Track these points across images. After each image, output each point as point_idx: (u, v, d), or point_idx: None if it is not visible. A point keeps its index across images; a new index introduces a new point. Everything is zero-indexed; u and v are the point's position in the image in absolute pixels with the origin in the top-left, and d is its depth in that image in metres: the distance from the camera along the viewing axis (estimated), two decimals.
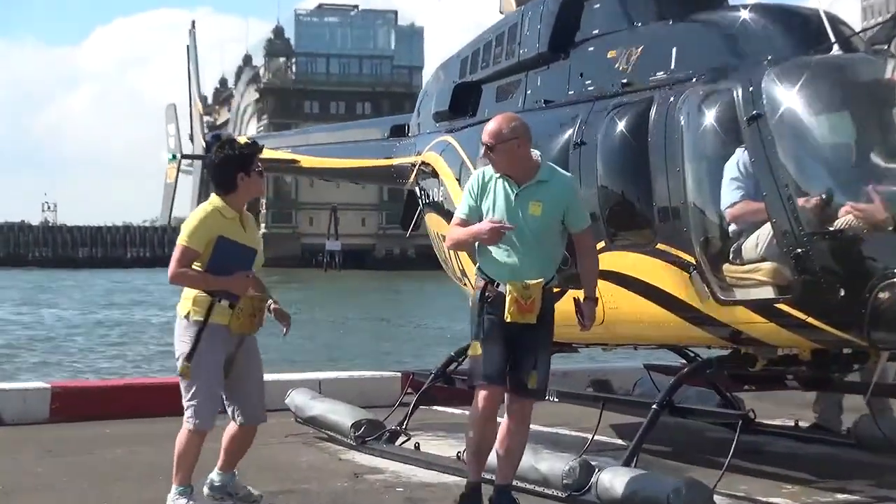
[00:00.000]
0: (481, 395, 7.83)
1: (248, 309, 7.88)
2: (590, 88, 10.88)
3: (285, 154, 17.83)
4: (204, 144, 20.17)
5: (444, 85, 13.66)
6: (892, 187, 8.43)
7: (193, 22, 22.96)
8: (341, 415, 11.55)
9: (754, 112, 8.90)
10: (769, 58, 9.22)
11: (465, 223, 7.98)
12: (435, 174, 13.25)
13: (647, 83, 10.12)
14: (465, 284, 12.44)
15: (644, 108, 9.91)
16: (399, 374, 14.44)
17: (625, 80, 10.38)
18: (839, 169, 8.88)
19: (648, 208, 9.72)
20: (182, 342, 7.88)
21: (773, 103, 8.88)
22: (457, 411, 13.27)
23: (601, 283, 9.77)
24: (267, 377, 8.51)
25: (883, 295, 8.09)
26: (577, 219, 8.07)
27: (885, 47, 9.14)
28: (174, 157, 21.92)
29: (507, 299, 7.75)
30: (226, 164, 7.95)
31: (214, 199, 7.97)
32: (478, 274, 8.03)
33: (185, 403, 7.93)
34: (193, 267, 7.81)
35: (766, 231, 8.87)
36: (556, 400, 10.66)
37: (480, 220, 7.90)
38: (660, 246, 9.63)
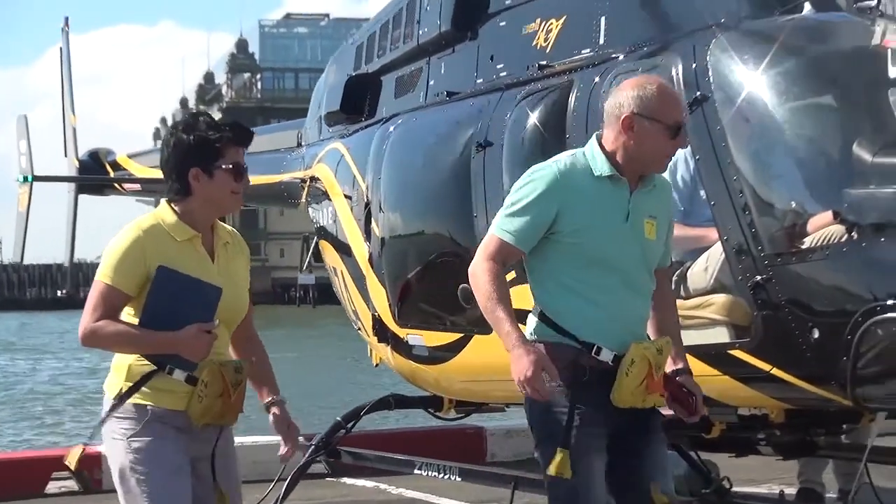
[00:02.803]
0: None
1: (215, 384, 5.35)
2: (502, 74, 9.27)
3: (159, 172, 16.19)
4: (77, 164, 18.50)
5: (337, 79, 12.00)
6: (882, 188, 6.82)
7: (66, 19, 21.19)
8: None
9: (697, 94, 7.31)
10: (720, 22, 7.61)
11: (508, 251, 5.41)
12: (326, 192, 11.58)
13: (568, 64, 8.51)
14: (359, 329, 10.78)
15: (561, 95, 8.35)
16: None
17: (543, 62, 8.76)
18: (813, 166, 7.29)
19: None
20: (114, 442, 5.42)
21: (721, 82, 7.29)
22: (368, 484, 11.97)
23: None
24: None
25: (871, 336, 6.47)
26: (669, 247, 5.80)
27: (873, 4, 7.50)
28: (26, 179, 19.67)
29: (628, 374, 5.28)
30: (175, 154, 5.48)
31: (161, 210, 5.50)
32: (541, 334, 5.40)
33: None
34: (124, 317, 5.41)
35: (717, 253, 7.28)
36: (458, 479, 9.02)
37: (528, 241, 5.40)
38: None
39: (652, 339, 5.51)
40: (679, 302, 7.37)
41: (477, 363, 8.97)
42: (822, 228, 6.78)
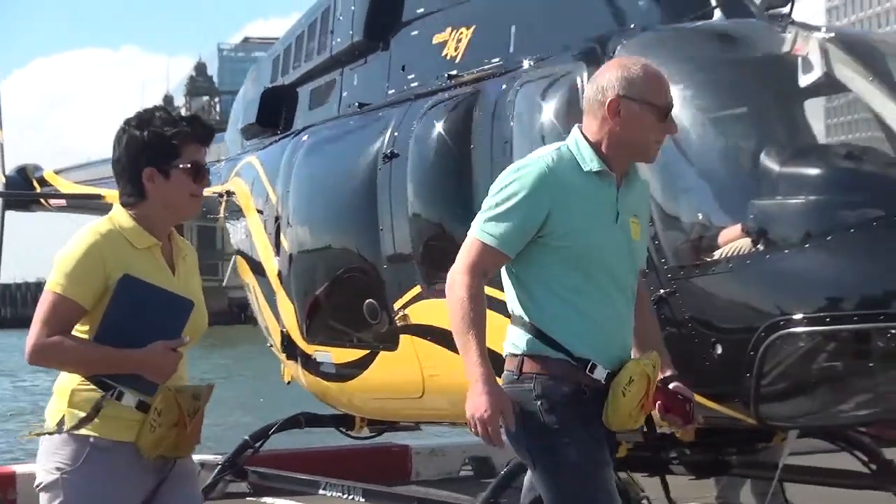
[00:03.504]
0: None
1: (170, 412, 4.62)
2: (413, 84, 8.86)
3: (88, 189, 15.71)
4: (3, 180, 17.88)
5: (254, 92, 11.52)
6: (789, 199, 6.46)
7: None
8: None
9: None
10: (628, 28, 7.25)
11: (492, 257, 4.77)
12: (241, 207, 11.12)
13: (476, 73, 8.12)
14: (270, 346, 10.33)
15: (467, 105, 7.97)
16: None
17: (453, 72, 8.36)
18: (718, 177, 6.91)
19: None
20: (48, 477, 4.68)
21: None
22: None
23: (417, 342, 7.81)
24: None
25: (774, 352, 6.08)
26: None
27: (784, 11, 7.15)
28: None
29: (625, 393, 4.69)
30: (127, 153, 4.78)
31: (117, 215, 4.80)
32: (532, 348, 4.77)
33: None
34: (75, 334, 4.65)
35: None
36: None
37: (516, 246, 4.76)
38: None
39: (636, 351, 4.92)
40: None
41: (382, 381, 8.57)
42: (727, 241, 6.42)
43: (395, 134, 8.43)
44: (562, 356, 4.67)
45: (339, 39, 9.87)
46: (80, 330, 4.63)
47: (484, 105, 7.79)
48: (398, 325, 8.23)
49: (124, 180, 4.80)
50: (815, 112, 7.29)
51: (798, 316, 6.03)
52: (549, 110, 7.33)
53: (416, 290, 8.06)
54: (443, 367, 8.00)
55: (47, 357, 4.62)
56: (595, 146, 4.75)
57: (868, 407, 6.20)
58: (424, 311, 8.02)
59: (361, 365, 8.73)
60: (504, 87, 7.70)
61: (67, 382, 4.66)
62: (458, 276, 4.75)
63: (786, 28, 6.98)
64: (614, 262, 4.74)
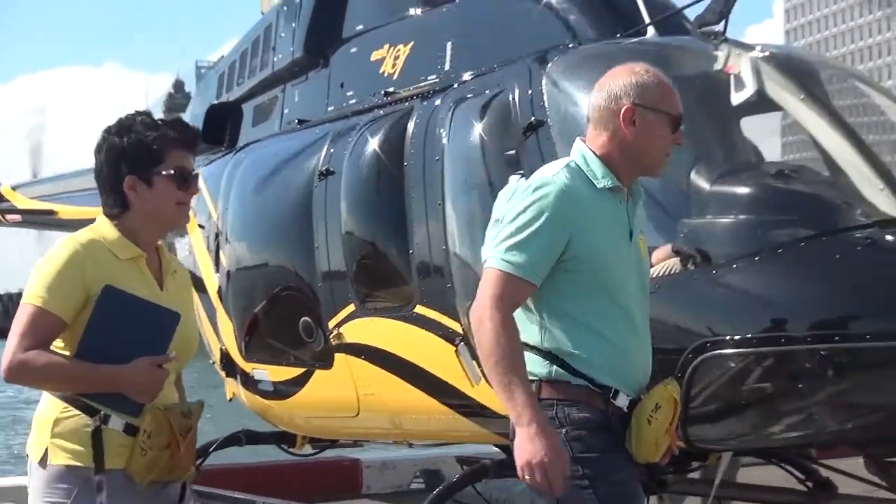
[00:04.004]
0: None
1: (160, 433, 4.21)
2: (351, 101, 8.56)
3: (39, 204, 15.35)
4: None
5: (200, 108, 11.21)
6: (717, 218, 6.18)
7: None
8: None
9: (532, 119, 6.63)
10: (561, 46, 6.98)
11: (519, 288, 4.16)
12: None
13: (412, 90, 7.86)
14: (213, 362, 9.99)
15: (401, 122, 7.68)
16: None
17: (390, 89, 8.08)
18: (648, 195, 6.56)
19: (405, 259, 7.41)
20: None
21: (556, 106, 6.63)
22: None
23: (351, 361, 7.52)
24: None
25: (701, 373, 5.79)
26: None
27: (717, 29, 6.88)
28: None
29: (651, 421, 4.24)
30: (108, 161, 4.41)
31: (100, 225, 4.40)
32: (551, 373, 4.25)
33: None
34: (54, 349, 4.25)
35: None
36: None
37: (542, 273, 4.20)
38: (419, 310, 7.30)
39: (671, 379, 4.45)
40: None
41: (319, 399, 8.26)
42: (656, 261, 6.12)
43: (331, 151, 8.14)
44: (582, 382, 4.19)
45: (280, 56, 9.59)
46: (59, 346, 4.23)
47: (417, 122, 7.52)
48: (333, 343, 7.94)
49: (106, 191, 4.41)
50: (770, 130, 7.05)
51: (725, 337, 5.75)
52: (480, 127, 7.07)
53: (350, 308, 7.77)
54: (377, 387, 7.73)
55: (25, 373, 4.19)
56: (604, 160, 4.30)
57: (798, 429, 5.92)
58: (358, 330, 7.73)
59: (298, 383, 8.42)
60: (437, 104, 7.45)
61: (49, 412, 4.25)
62: (485, 311, 4.11)
63: (719, 46, 6.71)
64: (632, 284, 4.31)
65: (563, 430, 4.13)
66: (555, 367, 4.18)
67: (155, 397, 4.20)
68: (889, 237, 5.96)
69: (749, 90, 6.48)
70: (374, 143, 7.76)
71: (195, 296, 10.22)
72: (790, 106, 6.54)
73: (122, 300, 4.19)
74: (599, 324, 4.20)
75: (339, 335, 7.88)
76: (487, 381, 6.84)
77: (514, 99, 6.82)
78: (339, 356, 7.93)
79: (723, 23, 6.91)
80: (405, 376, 7.48)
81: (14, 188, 16.81)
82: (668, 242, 6.13)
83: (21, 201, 16.32)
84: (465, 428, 7.38)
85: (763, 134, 7.22)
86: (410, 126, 7.52)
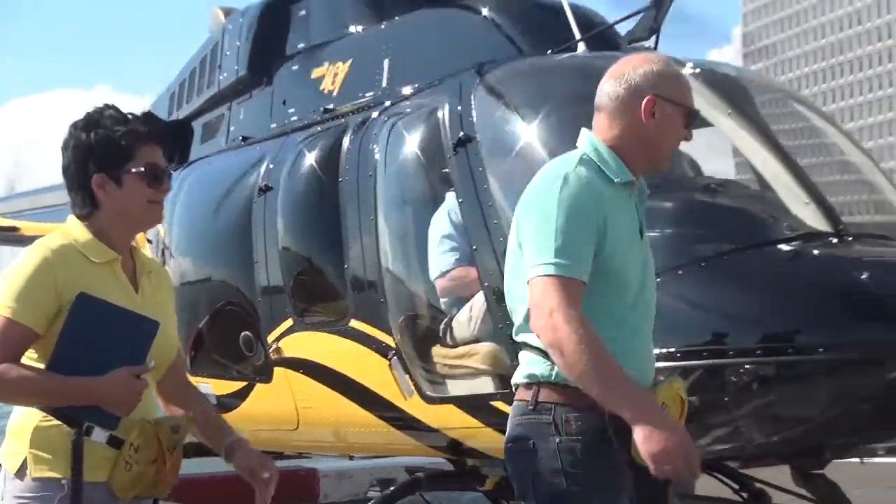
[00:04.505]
0: None
1: (148, 448, 3.85)
2: (293, 119, 8.32)
3: (3, 221, 15.00)
4: None
5: None
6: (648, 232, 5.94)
7: None
8: None
9: (461, 135, 6.40)
10: (490, 62, 6.76)
11: (573, 289, 3.70)
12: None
13: (349, 107, 7.64)
14: None
15: (336, 139, 7.46)
16: None
17: (330, 106, 7.85)
18: None
19: (340, 274, 7.17)
20: None
21: (483, 121, 6.41)
22: None
23: (290, 374, 7.26)
24: None
25: None
26: None
27: (646, 45, 6.67)
28: None
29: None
30: (75, 159, 4.00)
31: (71, 227, 4.00)
32: (555, 376, 3.81)
33: None
34: (26, 361, 3.86)
35: (480, 301, 6.34)
36: None
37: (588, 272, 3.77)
38: (353, 324, 7.05)
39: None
40: (445, 351, 6.54)
41: (260, 413, 7.99)
42: None
43: (270, 167, 7.90)
44: None
45: (225, 74, 9.33)
46: (32, 358, 3.83)
47: (352, 138, 7.30)
48: (272, 357, 7.69)
49: (74, 189, 3.99)
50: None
51: None
52: (412, 143, 6.88)
53: (289, 322, 7.53)
54: (314, 400, 7.48)
55: None
56: (618, 153, 3.90)
57: (724, 442, 5.69)
58: (296, 344, 7.49)
59: (240, 397, 8.15)
60: (371, 120, 7.24)
61: (27, 420, 3.85)
62: (555, 316, 3.64)
63: None
64: (643, 284, 3.93)
65: (557, 440, 3.77)
66: (556, 368, 3.76)
67: (133, 409, 3.81)
68: (813, 250, 5.76)
69: None
70: (310, 159, 7.55)
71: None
72: (718, 121, 6.32)
73: (97, 308, 3.78)
74: (609, 324, 3.78)
75: (278, 349, 7.63)
76: (421, 396, 6.64)
77: (444, 115, 6.61)
78: (278, 370, 7.68)
79: (653, 38, 6.72)
80: (341, 390, 7.24)
81: None
82: None
83: None
84: (399, 441, 7.13)
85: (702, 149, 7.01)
86: (345, 142, 7.30)
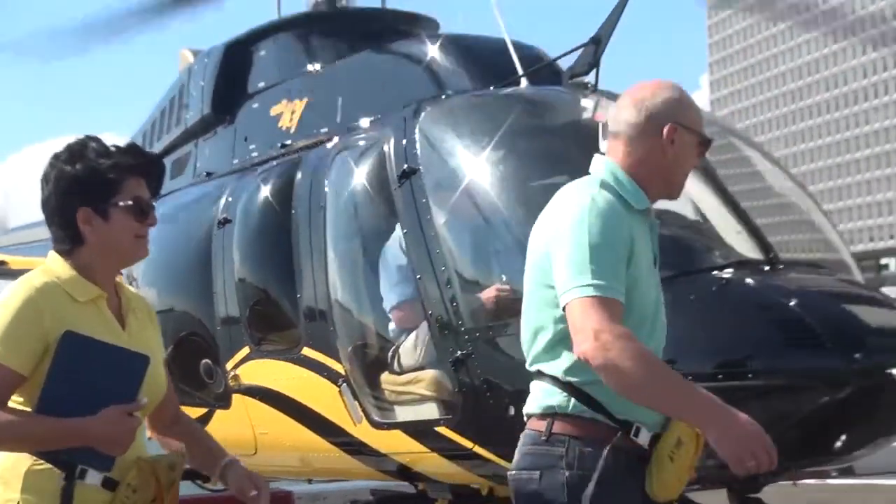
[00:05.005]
0: None
1: (145, 488, 3.48)
2: (253, 154, 8.08)
3: None
4: None
5: None
6: None
7: None
8: None
9: (405, 167, 6.17)
10: (433, 98, 6.54)
11: (614, 309, 3.39)
12: None
13: (304, 142, 7.42)
14: None
15: (290, 173, 7.23)
16: None
17: (288, 141, 7.62)
18: (511, 239, 6.11)
19: (293, 303, 6.92)
20: None
21: (425, 154, 6.19)
22: None
23: (247, 401, 7.01)
24: None
25: None
26: None
27: (585, 80, 6.44)
28: None
29: (673, 457, 3.49)
30: (57, 192, 3.60)
31: (52, 264, 3.59)
32: (568, 407, 3.51)
33: None
34: (12, 406, 3.45)
35: (425, 328, 6.09)
36: None
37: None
38: (305, 351, 6.81)
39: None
40: (392, 378, 6.29)
41: (219, 438, 7.63)
42: (517, 302, 5.64)
43: (229, 200, 7.66)
44: (600, 417, 3.47)
45: (192, 113, 9.11)
46: (18, 401, 3.42)
47: (304, 172, 7.08)
48: (231, 384, 7.42)
49: (56, 225, 3.59)
50: None
51: None
52: (359, 176, 6.66)
53: (246, 350, 7.28)
54: (270, 426, 7.23)
55: None
56: (635, 179, 3.61)
57: None
58: (253, 371, 7.24)
59: (201, 422, 7.86)
60: (321, 154, 7.02)
61: (18, 464, 3.42)
62: (603, 336, 3.30)
63: (588, 96, 6.27)
64: (657, 313, 3.62)
65: (566, 473, 3.43)
66: (573, 399, 3.46)
67: (127, 449, 3.42)
68: (745, 278, 5.54)
69: None
70: (265, 192, 7.33)
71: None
72: None
73: (84, 346, 3.40)
74: None
75: (236, 377, 7.38)
76: (369, 421, 6.38)
77: (389, 148, 6.39)
78: (236, 397, 7.42)
79: (593, 73, 6.49)
80: (295, 416, 6.99)
81: None
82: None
83: None
84: (352, 466, 6.86)
85: None
86: (298, 176, 7.08)
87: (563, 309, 3.40)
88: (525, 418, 3.64)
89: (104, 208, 3.51)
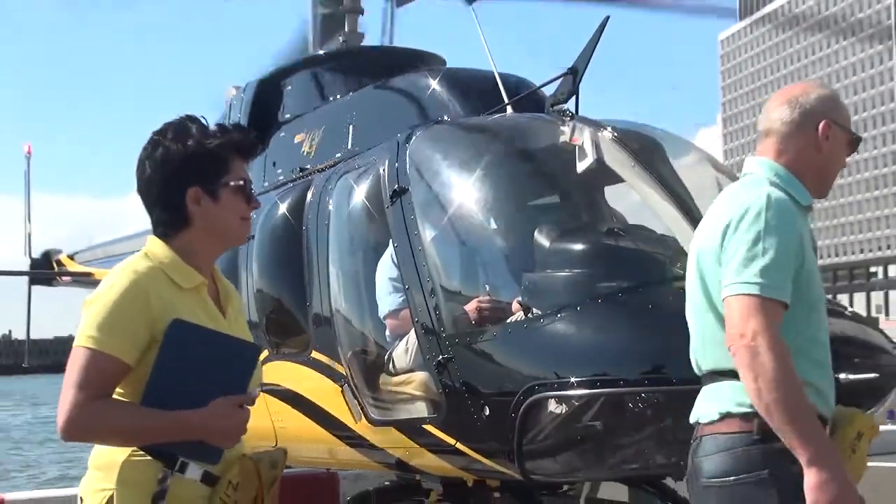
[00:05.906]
0: None
1: (248, 485, 2.93)
2: (280, 178, 7.68)
3: (82, 268, 14.49)
4: (30, 261, 16.77)
5: None
6: (548, 273, 5.24)
7: (29, 146, 19.26)
8: None
9: (396, 187, 5.74)
10: (424, 123, 6.12)
11: (777, 312, 2.97)
12: None
13: (317, 165, 7.03)
14: None
15: (301, 194, 6.84)
16: None
17: (307, 166, 7.22)
18: (490, 253, 5.70)
19: (304, 311, 6.55)
20: None
21: (414, 175, 5.75)
22: None
23: (268, 398, 6.61)
24: None
25: (530, 414, 4.81)
26: None
27: (565, 107, 5.97)
28: None
29: (856, 449, 3.13)
30: (164, 172, 3.00)
31: (154, 248, 3.01)
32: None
33: None
34: (117, 397, 2.90)
35: (414, 334, 5.65)
36: None
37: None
38: (314, 355, 6.41)
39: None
40: (386, 379, 5.87)
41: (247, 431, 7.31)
42: (494, 311, 5.21)
43: (253, 217, 7.24)
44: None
45: None
46: (121, 393, 2.87)
47: (314, 192, 6.69)
48: None
49: (160, 206, 2.99)
50: None
51: (550, 381, 4.79)
52: (357, 195, 6.25)
53: (265, 353, 6.85)
54: (287, 420, 6.86)
55: (85, 430, 2.82)
56: (795, 176, 3.20)
57: (627, 463, 4.93)
58: (271, 372, 6.81)
59: None
60: (328, 176, 6.63)
61: (115, 453, 2.88)
62: (759, 340, 2.89)
63: (566, 121, 5.79)
64: (824, 306, 3.18)
65: (795, 466, 2.88)
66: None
67: (237, 442, 2.92)
68: None
69: (589, 159, 5.57)
70: (281, 210, 6.96)
71: None
72: (624, 173, 5.60)
73: (195, 335, 2.85)
74: (815, 350, 3.08)
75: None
76: (367, 419, 5.93)
77: (384, 170, 5.96)
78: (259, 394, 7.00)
79: (573, 101, 6.01)
80: (306, 412, 6.59)
81: (71, 256, 16.01)
82: (508, 296, 5.23)
83: (73, 266, 15.49)
84: (355, 459, 6.43)
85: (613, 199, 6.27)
86: (309, 196, 6.68)
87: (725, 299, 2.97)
88: (708, 422, 3.09)
89: (214, 189, 2.96)
